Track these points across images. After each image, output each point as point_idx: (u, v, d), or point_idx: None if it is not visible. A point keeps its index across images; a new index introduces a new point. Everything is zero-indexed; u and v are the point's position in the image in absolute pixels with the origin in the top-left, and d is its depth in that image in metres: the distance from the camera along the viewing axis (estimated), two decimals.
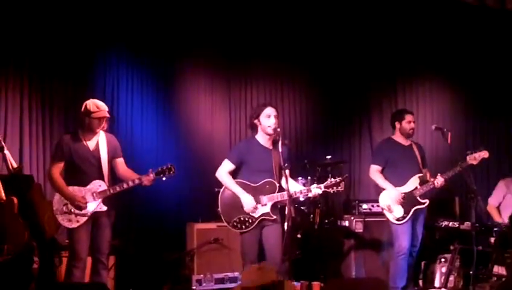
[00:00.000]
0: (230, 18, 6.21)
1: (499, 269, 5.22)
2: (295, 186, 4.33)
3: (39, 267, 4.26)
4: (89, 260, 4.24)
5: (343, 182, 4.22)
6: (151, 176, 4.21)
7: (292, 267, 4.23)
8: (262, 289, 2.60)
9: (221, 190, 4.29)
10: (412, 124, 5.06)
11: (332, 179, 4.22)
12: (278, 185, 4.20)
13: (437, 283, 5.55)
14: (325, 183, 4.22)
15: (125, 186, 4.19)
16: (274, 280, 2.66)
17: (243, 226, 4.16)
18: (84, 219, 4.11)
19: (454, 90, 7.09)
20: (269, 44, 6.44)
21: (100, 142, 4.25)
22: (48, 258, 4.43)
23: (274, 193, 4.18)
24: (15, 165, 4.51)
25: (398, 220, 4.85)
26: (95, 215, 4.16)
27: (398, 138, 5.11)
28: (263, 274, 2.67)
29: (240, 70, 6.43)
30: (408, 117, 5.05)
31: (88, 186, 4.16)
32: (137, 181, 4.20)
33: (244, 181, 4.23)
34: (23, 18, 5.29)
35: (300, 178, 5.46)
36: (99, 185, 4.17)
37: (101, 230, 4.21)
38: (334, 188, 4.21)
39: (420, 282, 5.66)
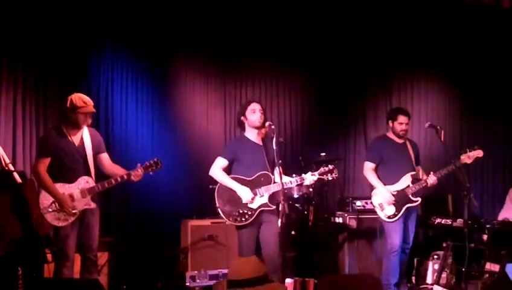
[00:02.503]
0: (225, 16, 6.20)
1: (491, 266, 5.26)
2: (289, 180, 4.36)
3: (31, 264, 4.23)
4: (78, 257, 4.19)
5: (336, 169, 4.35)
6: (140, 171, 4.18)
7: (286, 264, 4.25)
8: (249, 282, 2.60)
9: (217, 186, 4.31)
10: (404, 126, 5.01)
11: (326, 167, 4.35)
12: (272, 177, 4.25)
13: (429, 280, 5.58)
14: (319, 171, 4.34)
15: (113, 182, 4.13)
16: (262, 274, 2.67)
17: (243, 219, 4.19)
18: (73, 217, 4.04)
19: (449, 89, 7.11)
20: (264, 42, 6.44)
21: (84, 137, 4.18)
22: (42, 255, 4.41)
23: (270, 184, 4.24)
24: (8, 161, 4.49)
25: (389, 217, 4.87)
26: (83, 212, 4.10)
27: (392, 135, 5.11)
28: (252, 267, 2.68)
29: (235, 68, 6.43)
30: (400, 118, 5.01)
31: (75, 183, 4.09)
32: (125, 177, 4.15)
33: (238, 176, 4.27)
34: (18, 16, 5.27)
35: (294, 175, 5.47)
36: (86, 182, 4.11)
37: (90, 227, 4.14)
38: (328, 175, 4.33)
39: (413, 279, 5.69)
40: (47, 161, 4.07)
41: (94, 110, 4.20)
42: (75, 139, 4.16)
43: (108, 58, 5.78)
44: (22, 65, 5.32)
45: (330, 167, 4.36)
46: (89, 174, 4.15)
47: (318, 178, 4.33)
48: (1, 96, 5.20)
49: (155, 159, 4.26)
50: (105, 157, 4.30)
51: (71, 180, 4.09)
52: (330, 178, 4.36)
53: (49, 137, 4.13)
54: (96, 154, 4.23)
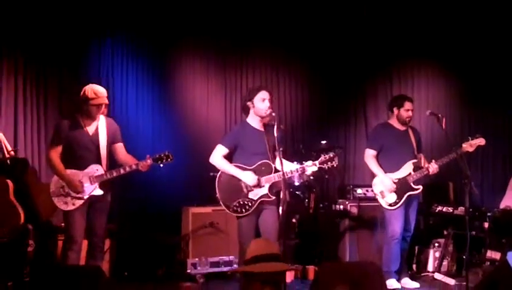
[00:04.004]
0: (226, 4, 6.17)
1: (492, 254, 5.26)
2: (290, 166, 4.30)
3: (35, 250, 4.27)
4: (85, 242, 4.26)
5: (336, 157, 4.25)
6: (148, 162, 4.22)
7: (287, 251, 4.23)
8: (259, 258, 2.67)
9: (218, 175, 4.26)
10: (410, 113, 5.01)
11: (326, 155, 4.25)
12: (273, 166, 4.19)
13: (430, 268, 5.60)
14: (319, 160, 4.24)
15: (122, 171, 4.19)
16: (274, 252, 2.75)
17: (243, 210, 4.15)
18: (80, 202, 4.12)
19: (450, 77, 7.08)
20: (265, 30, 6.42)
21: (100, 127, 4.25)
22: (44, 241, 4.44)
23: (270, 174, 4.18)
24: (10, 149, 4.50)
25: (390, 205, 4.88)
26: (91, 199, 4.17)
27: (394, 122, 5.10)
28: (270, 245, 2.76)
29: (236, 56, 6.41)
30: (407, 105, 5.00)
31: (85, 170, 4.17)
32: (134, 167, 4.20)
33: (239, 165, 4.22)
34: (18, 5, 5.24)
35: (295, 162, 5.46)
36: (96, 169, 4.18)
37: (97, 214, 4.22)
38: (329, 163, 4.23)
39: (414, 266, 5.71)
40: (59, 148, 4.19)
41: (107, 101, 4.25)
42: (90, 128, 4.24)
43: (108, 47, 5.76)
44: (23, 55, 5.31)
45: (331, 154, 4.25)
46: (99, 162, 4.21)
47: (319, 167, 4.24)
48: (2, 85, 5.20)
49: (166, 153, 4.28)
50: (120, 147, 4.36)
51: (81, 167, 4.17)
52: (330, 166, 4.26)
53: (61, 126, 4.23)
54: (111, 143, 4.30)
